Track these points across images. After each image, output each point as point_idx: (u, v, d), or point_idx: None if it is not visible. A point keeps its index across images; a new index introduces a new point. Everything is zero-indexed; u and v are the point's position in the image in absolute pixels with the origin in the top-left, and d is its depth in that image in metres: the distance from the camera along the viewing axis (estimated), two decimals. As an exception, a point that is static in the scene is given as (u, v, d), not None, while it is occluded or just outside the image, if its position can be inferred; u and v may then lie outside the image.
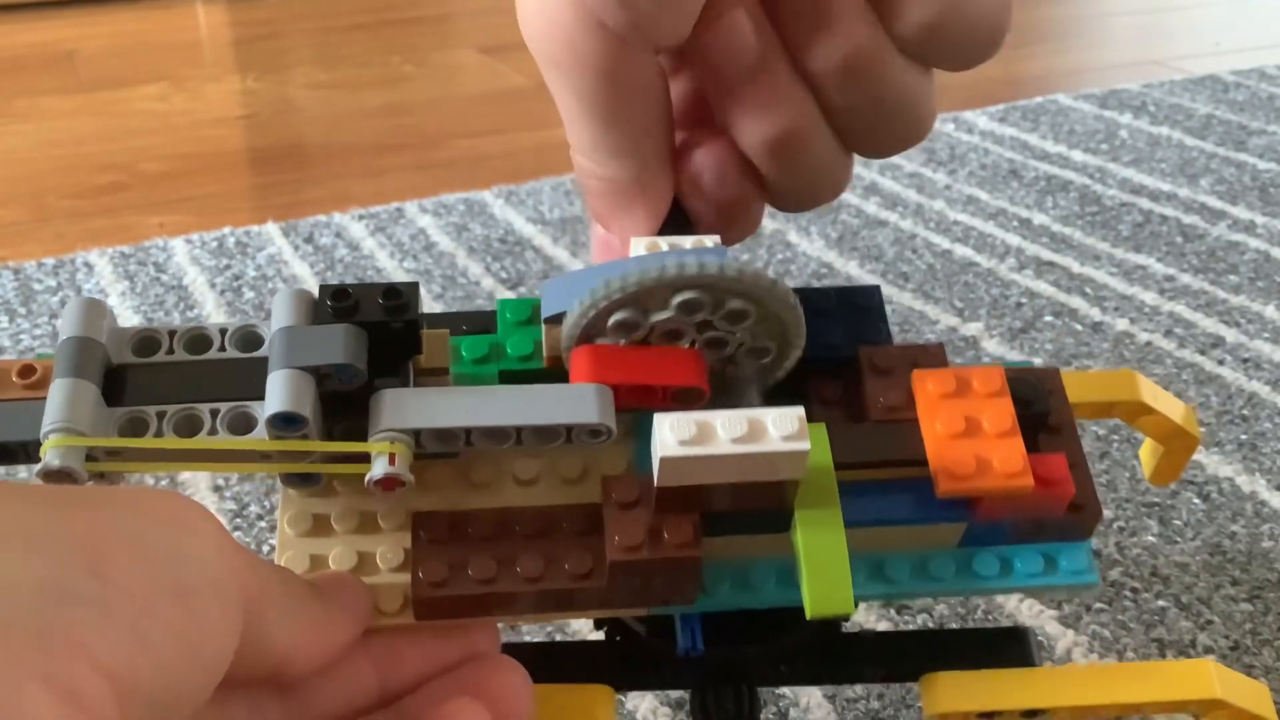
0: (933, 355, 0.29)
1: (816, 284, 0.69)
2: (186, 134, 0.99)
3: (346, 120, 1.03)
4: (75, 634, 0.18)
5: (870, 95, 0.28)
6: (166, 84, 1.12)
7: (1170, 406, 0.36)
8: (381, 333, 0.26)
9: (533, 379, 0.28)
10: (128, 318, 0.67)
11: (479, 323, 0.30)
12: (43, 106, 1.07)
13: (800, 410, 0.24)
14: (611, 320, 0.26)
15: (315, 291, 0.27)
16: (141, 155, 0.94)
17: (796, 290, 0.28)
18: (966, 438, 0.27)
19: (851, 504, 0.26)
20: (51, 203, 0.85)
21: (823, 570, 0.26)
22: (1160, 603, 0.44)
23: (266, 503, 0.50)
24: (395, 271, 0.72)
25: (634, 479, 0.27)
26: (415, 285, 0.26)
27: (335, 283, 0.26)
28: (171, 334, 0.26)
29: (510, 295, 0.69)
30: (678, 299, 0.26)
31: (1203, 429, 0.54)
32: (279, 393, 0.25)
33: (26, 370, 0.27)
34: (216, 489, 0.50)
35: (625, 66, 0.25)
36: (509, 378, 0.28)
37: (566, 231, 0.77)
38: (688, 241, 0.28)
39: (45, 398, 0.25)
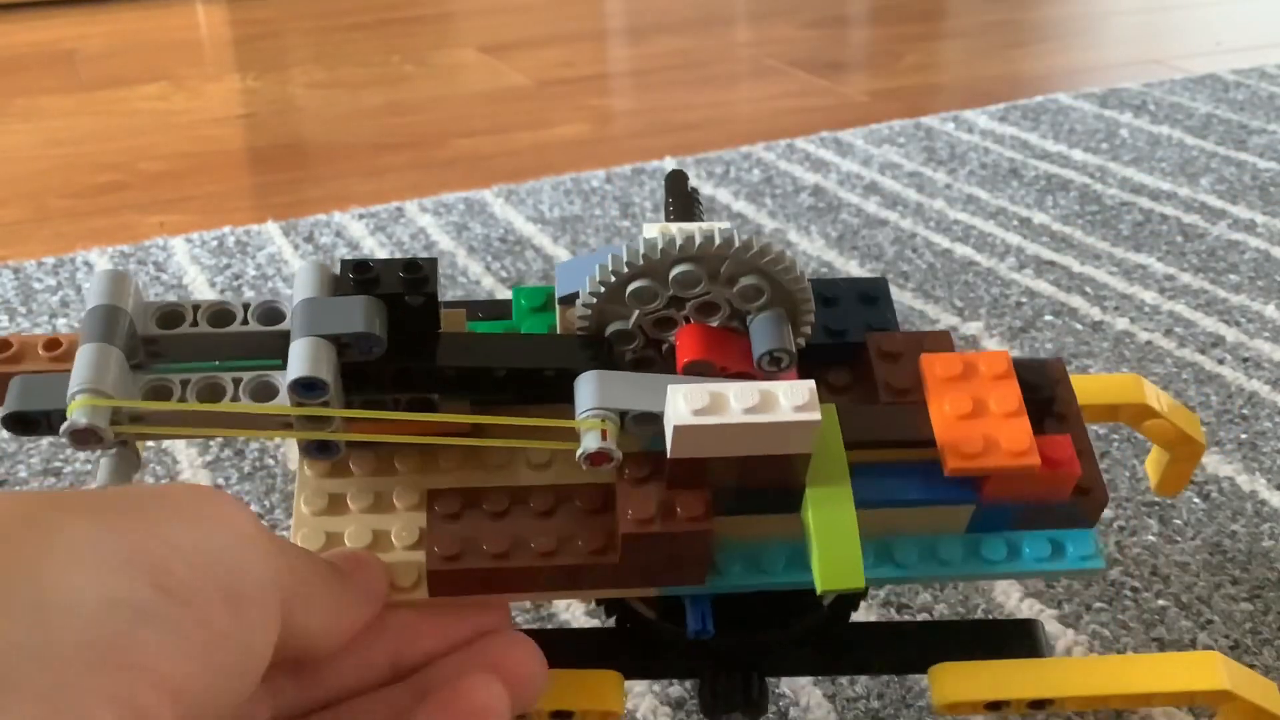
0: (939, 341, 0.30)
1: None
2: (186, 133, 0.99)
3: (346, 120, 1.03)
4: (141, 654, 0.19)
5: None
6: (166, 83, 1.12)
7: (1174, 411, 0.36)
8: (401, 306, 0.26)
9: None
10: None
11: (494, 310, 0.30)
12: (43, 106, 1.07)
13: (811, 383, 0.25)
14: (629, 290, 0.27)
15: (336, 267, 0.28)
16: (141, 155, 0.94)
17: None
18: (974, 418, 0.27)
19: (861, 485, 0.27)
20: (51, 202, 0.85)
21: (833, 545, 0.26)
22: (1160, 602, 0.43)
23: (266, 501, 0.50)
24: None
25: (647, 456, 0.27)
26: (434, 260, 0.27)
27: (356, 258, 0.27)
28: (195, 308, 0.27)
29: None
30: (680, 269, 0.26)
31: (1203, 428, 0.54)
32: (300, 359, 0.25)
33: (52, 344, 0.28)
34: (216, 488, 0.50)
35: None
36: None
37: (566, 230, 0.77)
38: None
39: (70, 370, 0.25)
